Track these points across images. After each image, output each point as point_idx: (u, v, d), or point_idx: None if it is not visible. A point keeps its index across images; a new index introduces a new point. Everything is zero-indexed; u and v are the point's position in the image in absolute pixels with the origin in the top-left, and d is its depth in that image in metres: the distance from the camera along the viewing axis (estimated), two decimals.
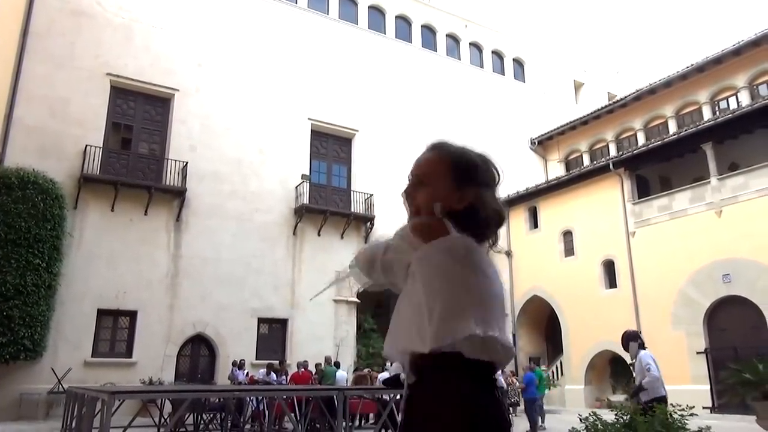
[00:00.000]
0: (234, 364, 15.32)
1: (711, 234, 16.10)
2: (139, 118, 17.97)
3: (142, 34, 18.11)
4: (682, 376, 15.72)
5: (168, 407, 11.16)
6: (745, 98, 18.74)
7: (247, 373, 15.23)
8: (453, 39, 25.76)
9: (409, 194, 1.47)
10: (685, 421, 6.84)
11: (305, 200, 19.09)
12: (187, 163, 17.47)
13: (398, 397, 8.63)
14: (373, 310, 21.01)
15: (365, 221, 20.10)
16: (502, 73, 26.94)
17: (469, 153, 1.48)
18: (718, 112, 19.14)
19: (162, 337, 16.30)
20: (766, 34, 17.75)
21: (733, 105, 18.98)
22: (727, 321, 15.77)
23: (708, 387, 15.38)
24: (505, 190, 23.43)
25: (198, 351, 17.26)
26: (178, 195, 17.24)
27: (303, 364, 14.49)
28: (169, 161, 17.46)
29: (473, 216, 1.40)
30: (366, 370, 15.15)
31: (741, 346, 14.47)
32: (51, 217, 14.56)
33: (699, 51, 37.46)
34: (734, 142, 17.32)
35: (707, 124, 17.06)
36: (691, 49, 41.37)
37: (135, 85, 17.76)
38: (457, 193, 1.41)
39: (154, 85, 17.99)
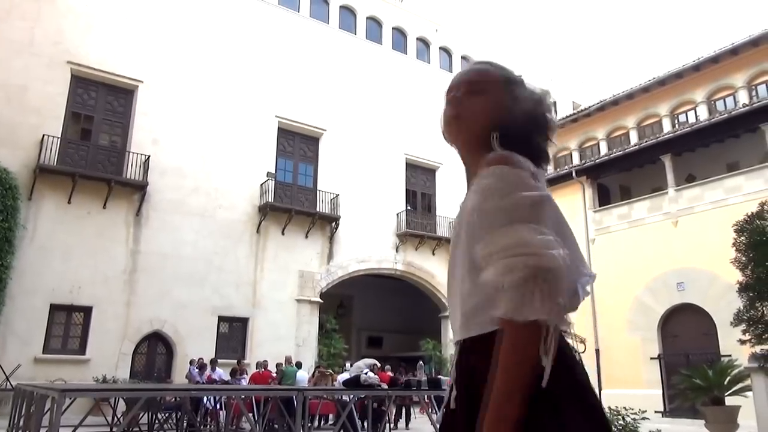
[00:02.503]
0: (192, 362, 14.99)
1: (667, 243, 16.55)
2: (100, 108, 17.49)
3: (106, 22, 17.63)
4: (637, 381, 16.16)
5: (122, 406, 10.88)
6: (703, 112, 19.32)
7: (201, 366, 14.74)
8: (423, 42, 25.89)
9: (458, 115, 1.34)
10: (638, 425, 7.02)
11: (270, 198, 18.89)
12: (149, 156, 17.08)
13: (357, 398, 8.60)
14: (336, 311, 20.93)
15: (330, 221, 19.97)
16: None
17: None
18: (677, 125, 19.69)
19: (117, 334, 15.90)
20: (724, 51, 18.35)
21: (691, 119, 19.53)
22: (680, 328, 16.23)
23: (660, 391, 15.79)
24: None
25: (155, 349, 16.89)
26: (138, 189, 16.84)
27: (263, 364, 14.32)
28: (131, 154, 17.03)
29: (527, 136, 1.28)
30: (328, 372, 15.01)
31: (693, 353, 14.92)
32: (3, 208, 14.07)
33: (661, 64, 38.60)
34: (691, 155, 17.90)
35: (666, 136, 17.57)
36: (655, 61, 42.61)
37: (97, 75, 17.29)
38: (512, 102, 1.31)
39: (118, 75, 17.53)
